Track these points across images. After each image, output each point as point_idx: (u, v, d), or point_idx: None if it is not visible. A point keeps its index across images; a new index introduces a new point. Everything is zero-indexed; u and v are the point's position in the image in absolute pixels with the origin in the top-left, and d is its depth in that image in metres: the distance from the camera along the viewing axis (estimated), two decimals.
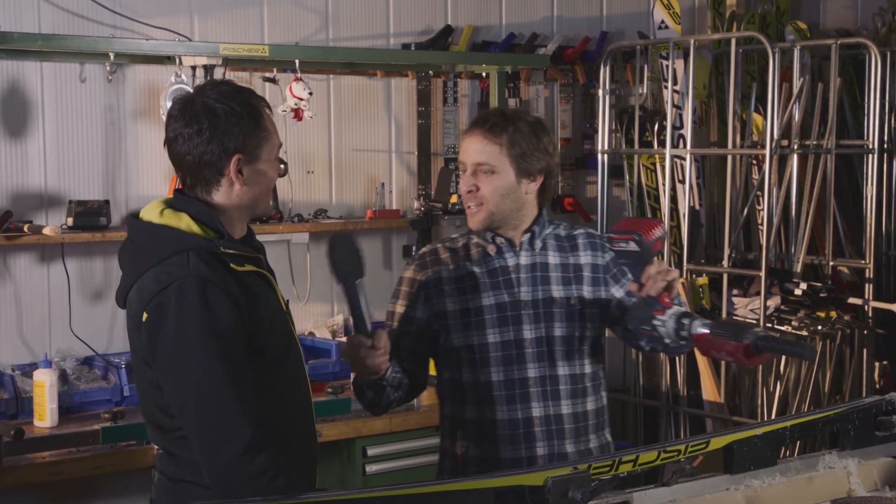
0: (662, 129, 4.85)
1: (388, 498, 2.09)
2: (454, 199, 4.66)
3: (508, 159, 2.62)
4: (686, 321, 2.50)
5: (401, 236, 4.71)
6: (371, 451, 3.78)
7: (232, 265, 2.31)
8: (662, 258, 2.74)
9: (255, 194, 2.37)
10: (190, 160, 2.33)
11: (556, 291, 2.70)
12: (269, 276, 2.42)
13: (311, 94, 4.12)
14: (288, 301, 2.51)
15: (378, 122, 4.68)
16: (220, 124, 2.31)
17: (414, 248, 4.62)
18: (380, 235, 4.71)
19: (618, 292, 2.73)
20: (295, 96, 4.07)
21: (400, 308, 2.76)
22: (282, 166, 2.45)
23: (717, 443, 2.45)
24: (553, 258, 2.72)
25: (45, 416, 3.51)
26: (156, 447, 2.41)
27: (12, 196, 3.92)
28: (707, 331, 2.52)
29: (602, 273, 2.74)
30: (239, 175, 2.34)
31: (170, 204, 2.36)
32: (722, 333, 2.50)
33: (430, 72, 4.70)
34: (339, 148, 4.58)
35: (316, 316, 4.49)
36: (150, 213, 2.34)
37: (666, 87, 4.87)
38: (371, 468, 3.78)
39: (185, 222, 2.31)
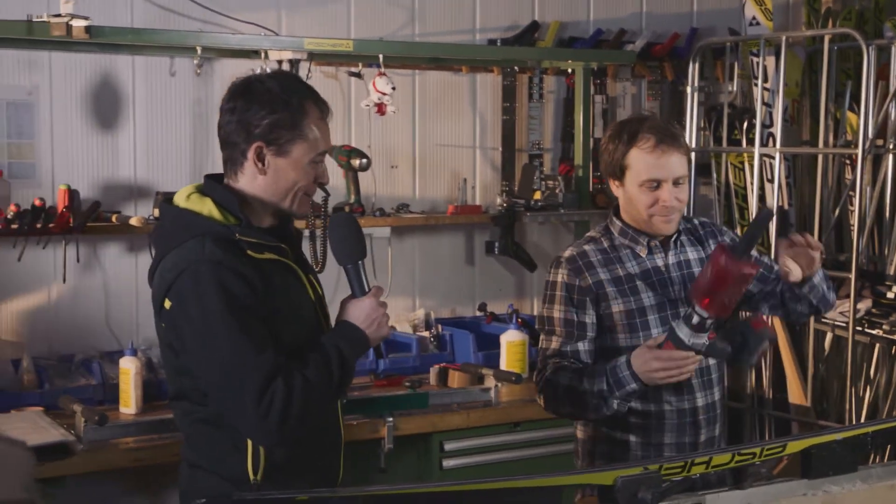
0: (752, 127, 4.76)
1: (451, 494, 2.09)
2: (538, 195, 4.64)
3: (686, 159, 2.77)
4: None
5: (483, 232, 4.70)
6: (448, 446, 3.76)
7: (249, 252, 2.32)
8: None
9: (277, 189, 2.37)
10: (221, 135, 2.39)
11: None
12: (293, 267, 2.41)
13: (394, 88, 4.12)
14: (322, 295, 2.52)
15: (462, 118, 4.67)
16: (252, 108, 2.33)
17: (497, 244, 4.62)
18: (462, 231, 4.70)
19: None
20: (378, 91, 4.08)
21: (562, 314, 2.80)
22: (322, 173, 2.42)
23: (795, 447, 2.38)
24: (691, 253, 2.85)
25: (129, 402, 3.58)
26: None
27: (102, 187, 4.00)
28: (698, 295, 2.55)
29: None
30: (259, 164, 2.35)
31: (200, 189, 2.40)
32: (699, 277, 2.56)
33: (516, 67, 4.68)
34: (423, 143, 4.59)
35: (397, 310, 4.50)
36: (180, 198, 2.40)
37: (756, 85, 4.77)
38: (448, 463, 3.76)
39: (207, 207, 2.34)
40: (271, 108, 2.33)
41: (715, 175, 5.01)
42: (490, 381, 3.91)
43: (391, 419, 3.59)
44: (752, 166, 4.76)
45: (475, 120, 4.71)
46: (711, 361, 2.84)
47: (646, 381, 2.67)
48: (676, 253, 2.84)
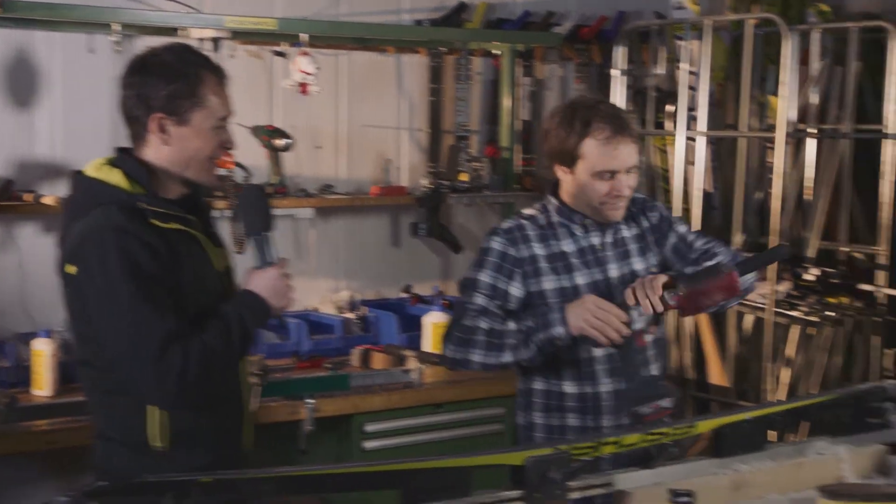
0: (677, 110, 4.78)
1: (361, 475, 2.08)
2: (464, 176, 4.62)
3: (637, 152, 2.78)
4: (666, 294, 2.62)
5: (408, 214, 4.68)
6: (369, 428, 3.76)
7: (154, 221, 2.35)
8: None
9: (182, 158, 2.42)
10: (123, 111, 2.44)
11: (637, 263, 2.84)
12: (200, 237, 2.42)
13: (318, 68, 4.08)
14: (231, 267, 2.54)
15: (389, 99, 4.65)
16: (148, 80, 2.39)
17: (422, 225, 4.60)
18: (387, 212, 4.68)
19: (666, 249, 2.89)
20: (301, 71, 4.04)
21: (489, 279, 2.77)
22: (227, 139, 2.45)
23: (705, 426, 2.41)
24: (626, 230, 2.86)
25: (43, 384, 3.51)
26: None
27: (18, 166, 3.91)
28: (685, 291, 2.61)
29: (653, 234, 2.88)
30: (162, 134, 2.40)
31: (111, 161, 2.44)
32: (703, 280, 2.61)
33: (443, 49, 4.65)
34: (348, 123, 4.56)
35: (321, 291, 4.48)
36: (90, 168, 2.44)
37: (681, 69, 4.79)
38: (369, 444, 3.76)
39: (115, 177, 2.39)
40: (168, 79, 2.37)
41: (641, 158, 5.03)
42: (413, 363, 3.91)
43: (311, 401, 3.57)
44: (675, 149, 4.79)
45: (401, 101, 4.68)
46: (649, 338, 2.83)
47: (573, 323, 2.63)
48: (613, 231, 2.84)
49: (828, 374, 4.58)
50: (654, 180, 4.99)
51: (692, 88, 4.76)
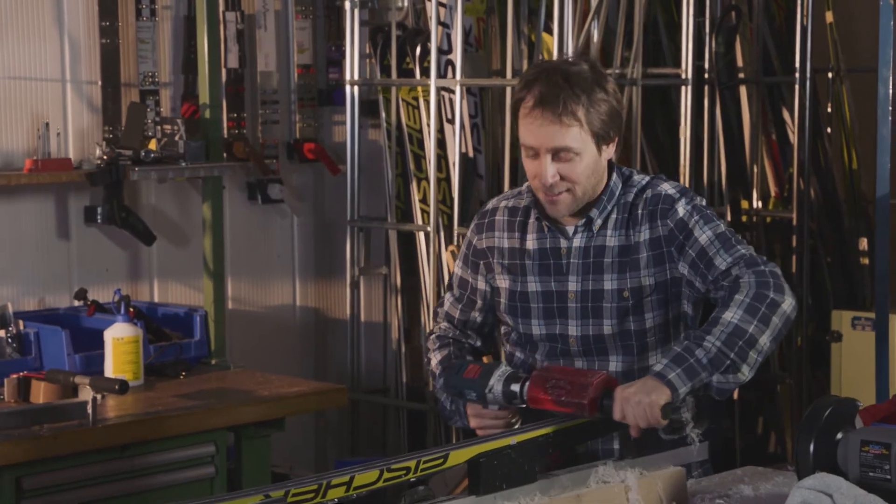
0: (427, 53, 4.82)
1: None
2: (152, 144, 4.52)
3: (589, 135, 2.81)
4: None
5: (81, 195, 4.54)
6: (28, 484, 3.60)
7: None
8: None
9: None
10: None
11: (609, 282, 2.89)
12: None
13: None
14: None
15: (45, 42, 4.50)
16: None
17: (100, 210, 4.47)
18: (50, 194, 4.52)
19: (683, 268, 2.86)
20: None
21: (460, 271, 3.08)
22: None
23: (459, 457, 2.45)
24: (612, 238, 2.90)
25: None
26: None
27: None
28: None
29: (665, 246, 2.87)
30: None
31: None
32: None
33: None
34: None
35: None
36: None
37: (430, 1, 4.83)
38: None
39: None
40: None
41: (384, 115, 5.05)
42: (87, 393, 3.76)
43: None
44: (428, 103, 4.82)
45: (64, 44, 4.54)
46: (616, 367, 2.93)
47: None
48: (589, 236, 2.90)
49: None
50: (403, 143, 5.00)
51: (444, 25, 4.80)
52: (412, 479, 2.41)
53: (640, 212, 2.89)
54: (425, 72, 4.85)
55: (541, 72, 2.84)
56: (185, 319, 4.52)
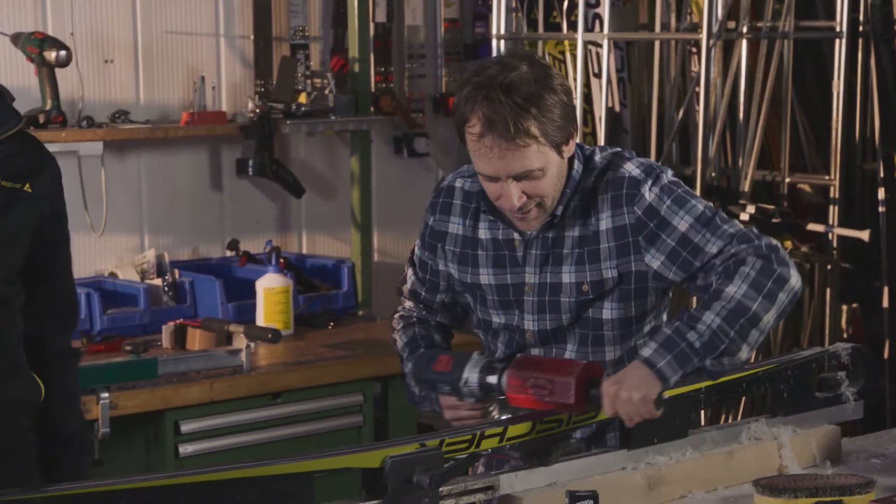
0: (574, 7, 4.80)
1: (172, 489, 2.06)
2: (302, 97, 4.59)
3: (549, 147, 2.52)
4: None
5: (233, 148, 4.63)
6: (186, 427, 3.72)
7: None
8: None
9: None
10: None
11: (567, 275, 2.65)
12: None
13: None
14: None
15: None
16: None
17: (251, 162, 4.56)
18: (204, 146, 4.63)
19: (654, 261, 2.59)
20: None
21: (419, 251, 2.84)
22: None
23: None
24: (571, 228, 2.65)
25: None
26: None
27: None
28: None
29: (631, 236, 2.61)
30: None
31: None
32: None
33: None
34: (146, 30, 4.48)
35: (118, 251, 4.43)
36: None
37: None
38: (186, 448, 3.72)
39: None
40: None
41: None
42: (240, 341, 3.87)
43: (106, 395, 3.52)
44: (574, 57, 4.81)
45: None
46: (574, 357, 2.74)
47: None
48: (547, 226, 2.64)
49: (769, 336, 4.69)
50: None
51: None
52: (564, 430, 2.43)
53: (600, 197, 2.63)
54: (572, 26, 4.84)
55: (477, 87, 2.51)
56: (333, 271, 4.60)
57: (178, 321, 4.04)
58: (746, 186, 4.73)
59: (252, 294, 4.17)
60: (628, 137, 5.03)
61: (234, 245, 4.52)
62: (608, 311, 2.63)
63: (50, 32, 4.10)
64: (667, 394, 2.41)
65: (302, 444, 3.86)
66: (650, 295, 2.63)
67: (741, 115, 4.77)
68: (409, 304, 2.88)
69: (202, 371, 3.79)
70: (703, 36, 4.44)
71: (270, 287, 4.12)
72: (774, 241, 2.53)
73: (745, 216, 4.64)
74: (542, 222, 2.61)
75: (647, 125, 4.94)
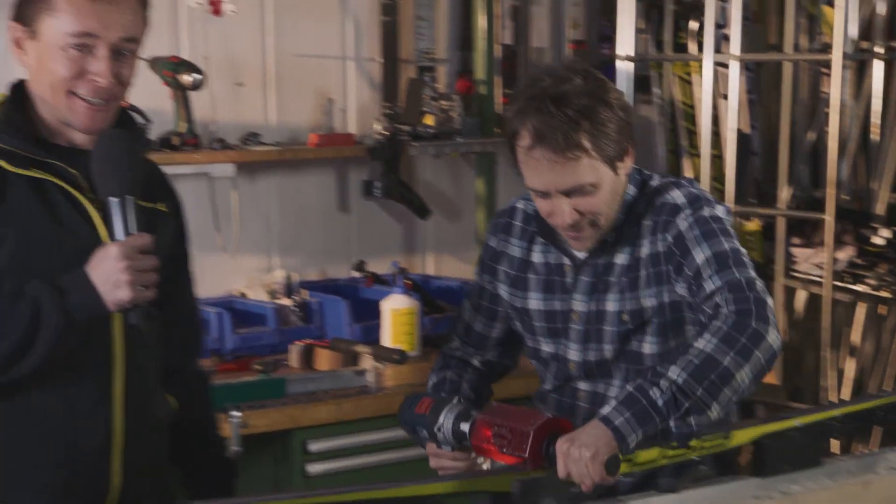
0: (702, 28, 4.77)
1: None
2: (428, 119, 4.61)
3: (601, 161, 2.50)
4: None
5: (359, 169, 4.67)
6: (313, 447, 3.76)
7: (3, 163, 2.35)
8: None
9: (41, 83, 2.40)
10: None
11: (611, 303, 2.62)
12: (72, 193, 2.39)
13: None
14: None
15: (330, 21, 4.64)
16: None
17: (377, 184, 4.60)
18: (332, 168, 4.67)
19: (681, 289, 2.55)
20: None
21: (479, 278, 2.81)
22: (99, 72, 2.37)
23: (742, 436, 2.43)
24: (621, 255, 2.62)
25: None
26: None
27: None
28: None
29: (664, 264, 2.57)
30: (19, 50, 2.41)
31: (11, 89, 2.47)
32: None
33: None
34: (277, 53, 4.54)
35: (248, 271, 4.47)
36: None
37: None
38: (313, 468, 3.76)
39: None
40: None
41: (657, 91, 5.03)
42: (367, 362, 3.90)
43: (237, 413, 3.56)
44: (702, 78, 4.78)
45: (346, 22, 4.67)
46: (617, 392, 2.65)
47: None
48: (599, 251, 2.62)
49: None
50: (676, 119, 4.98)
51: None
52: (694, 458, 2.40)
53: (644, 223, 2.59)
54: (700, 46, 4.81)
55: (528, 99, 2.48)
56: (459, 292, 4.60)
57: (305, 341, 4.07)
58: (881, 209, 4.66)
59: (378, 315, 4.19)
60: (757, 160, 4.98)
61: (360, 266, 4.57)
62: (648, 344, 2.60)
63: (184, 56, 4.18)
64: (799, 420, 2.38)
65: (423, 467, 3.82)
66: (687, 325, 2.58)
67: (875, 136, 4.70)
68: (456, 342, 2.84)
69: (329, 391, 3.83)
70: (836, 56, 4.39)
71: (397, 308, 4.14)
72: (766, 298, 2.42)
73: (878, 240, 4.58)
74: (596, 241, 2.59)
75: (777, 147, 4.89)
